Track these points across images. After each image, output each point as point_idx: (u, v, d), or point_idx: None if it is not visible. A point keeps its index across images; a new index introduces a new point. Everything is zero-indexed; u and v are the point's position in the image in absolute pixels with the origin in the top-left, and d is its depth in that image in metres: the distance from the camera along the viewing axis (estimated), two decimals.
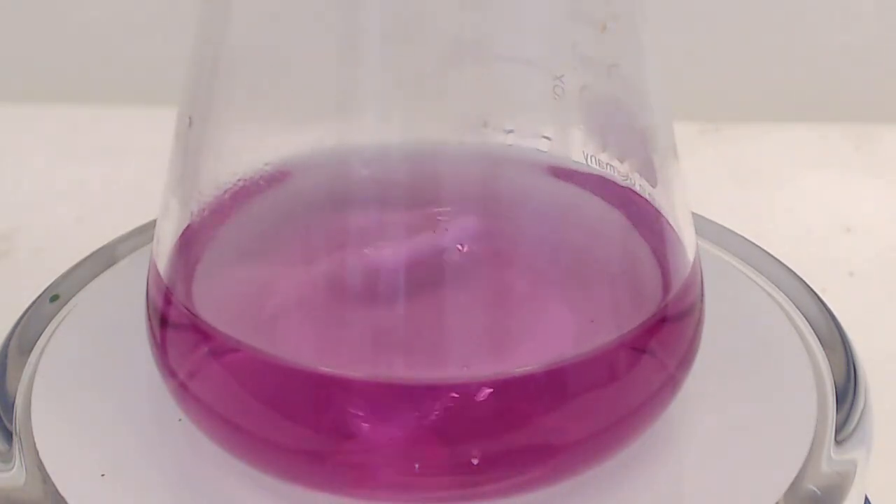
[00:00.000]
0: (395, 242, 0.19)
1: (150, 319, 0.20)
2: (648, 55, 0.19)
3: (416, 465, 0.17)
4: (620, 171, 0.19)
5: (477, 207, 0.19)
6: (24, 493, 0.18)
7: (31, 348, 0.22)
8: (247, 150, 0.19)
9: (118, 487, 0.18)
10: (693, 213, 0.21)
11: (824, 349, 0.22)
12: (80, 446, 0.19)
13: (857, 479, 0.19)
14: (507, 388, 0.17)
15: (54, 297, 0.23)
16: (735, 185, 0.44)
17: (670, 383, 0.19)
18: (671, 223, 0.20)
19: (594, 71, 0.18)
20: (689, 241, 0.20)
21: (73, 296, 0.23)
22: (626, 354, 0.18)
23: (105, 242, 0.25)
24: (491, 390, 0.17)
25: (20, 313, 0.23)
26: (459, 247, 0.19)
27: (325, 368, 0.17)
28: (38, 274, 0.25)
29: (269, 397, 0.18)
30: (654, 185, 0.19)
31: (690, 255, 0.20)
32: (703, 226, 0.25)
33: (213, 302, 0.19)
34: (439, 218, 0.19)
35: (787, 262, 0.24)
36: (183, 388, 0.19)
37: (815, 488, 0.18)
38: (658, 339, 0.19)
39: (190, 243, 0.19)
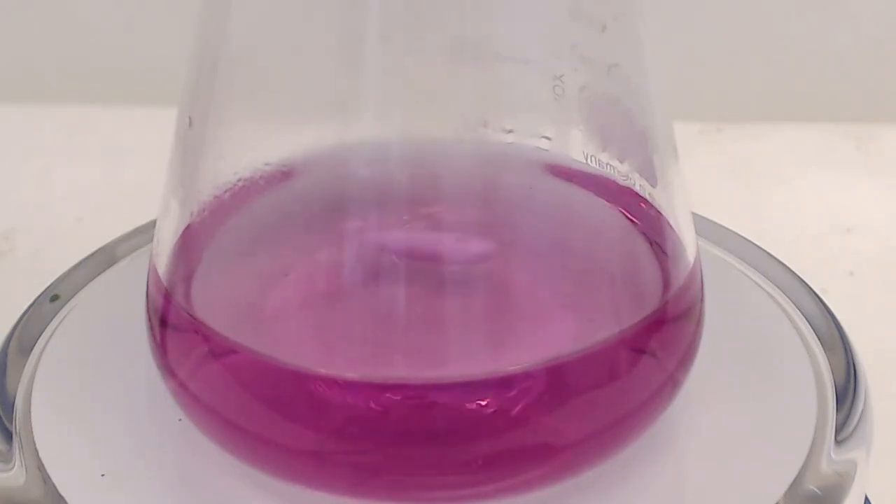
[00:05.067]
0: (395, 242, 0.19)
1: (149, 319, 0.20)
2: (648, 55, 0.19)
3: (416, 466, 0.17)
4: (620, 171, 0.19)
5: (477, 207, 0.19)
6: (24, 493, 0.18)
7: (31, 348, 0.22)
8: (247, 150, 0.19)
9: (118, 487, 0.18)
10: (693, 213, 0.21)
11: (824, 349, 0.22)
12: (80, 446, 0.19)
13: (857, 479, 0.19)
14: (507, 388, 0.17)
15: (54, 297, 0.23)
16: (735, 185, 0.44)
17: (670, 383, 0.19)
18: (671, 223, 0.20)
19: (594, 71, 0.18)
20: (689, 241, 0.20)
21: (73, 296, 0.23)
22: (626, 354, 0.18)
23: (105, 242, 0.25)
24: (490, 390, 0.17)
25: (20, 313, 0.23)
26: (459, 246, 0.19)
27: (325, 369, 0.17)
28: (38, 274, 0.25)
29: (269, 397, 0.18)
30: (654, 185, 0.19)
31: (690, 255, 0.20)
32: (703, 226, 0.25)
33: (213, 302, 0.19)
34: (438, 218, 0.19)
35: (787, 262, 0.24)
36: (183, 388, 0.19)
37: (815, 488, 0.18)
38: (658, 339, 0.19)
39: (190, 243, 0.19)
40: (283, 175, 0.20)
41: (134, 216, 0.26)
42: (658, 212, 0.19)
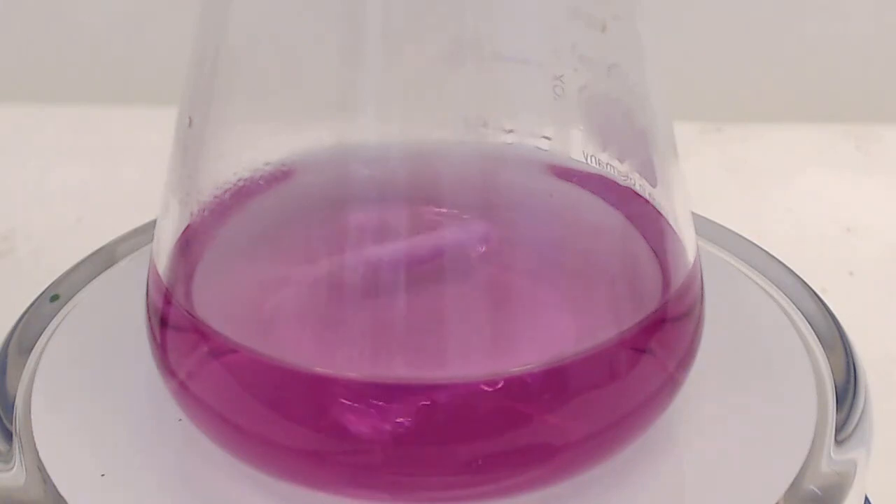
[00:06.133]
0: (395, 242, 0.19)
1: (149, 319, 0.20)
2: (648, 55, 0.19)
3: (415, 465, 0.17)
4: (620, 171, 0.19)
5: (477, 207, 0.19)
6: (24, 493, 0.18)
7: (31, 348, 0.22)
8: (247, 150, 0.19)
9: (118, 487, 0.18)
10: (693, 213, 0.21)
11: (824, 349, 0.22)
12: (80, 446, 0.19)
13: (857, 479, 0.19)
14: (507, 388, 0.17)
15: (54, 297, 0.23)
16: (735, 185, 0.44)
17: (670, 383, 0.19)
18: (671, 223, 0.20)
19: (594, 71, 0.18)
20: (689, 241, 0.20)
21: (73, 296, 0.23)
22: (627, 354, 0.18)
23: (105, 242, 0.25)
24: (491, 390, 0.17)
25: (20, 313, 0.23)
26: (459, 246, 0.19)
27: (325, 369, 0.17)
28: (38, 274, 0.25)
29: (269, 397, 0.18)
30: (654, 185, 0.19)
31: (690, 255, 0.20)
32: (703, 226, 0.25)
33: (213, 302, 0.19)
34: (439, 217, 0.19)
35: (787, 262, 0.24)
36: (183, 389, 0.19)
37: (815, 488, 0.18)
38: (658, 339, 0.19)
39: (190, 243, 0.19)
40: (283, 175, 0.20)
41: (134, 216, 0.26)
42: (658, 212, 0.19)
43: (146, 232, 0.25)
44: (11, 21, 0.48)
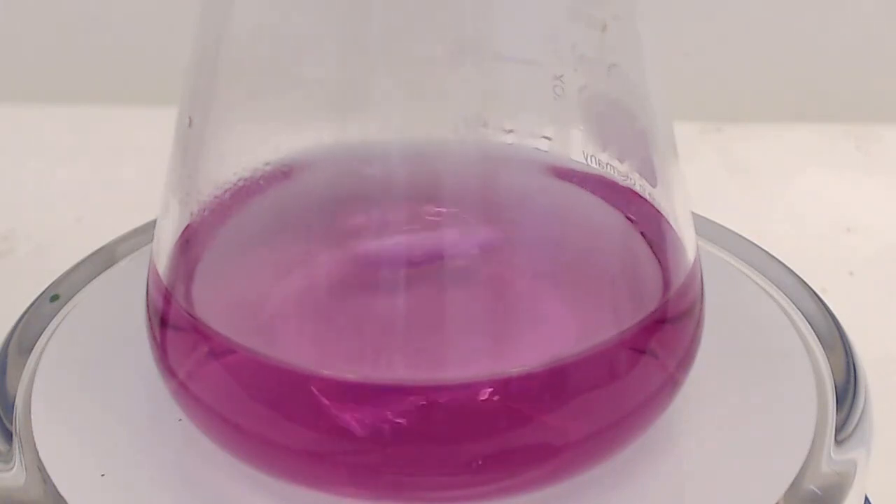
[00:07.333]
0: (395, 243, 0.19)
1: (149, 319, 0.20)
2: (648, 55, 0.19)
3: (416, 466, 0.17)
4: (620, 171, 0.19)
5: (477, 207, 0.19)
6: (24, 493, 0.18)
7: (31, 348, 0.22)
8: (247, 150, 0.19)
9: (118, 487, 0.18)
10: (693, 213, 0.21)
11: (824, 349, 0.22)
12: (80, 446, 0.19)
13: (857, 479, 0.19)
14: (507, 388, 0.17)
15: (54, 297, 0.23)
16: (735, 185, 0.44)
17: (670, 383, 0.19)
18: (671, 223, 0.20)
19: (594, 71, 0.18)
20: (689, 241, 0.20)
21: (73, 296, 0.23)
22: (626, 354, 0.18)
23: (105, 242, 0.25)
24: (490, 390, 0.17)
25: (20, 313, 0.23)
26: (459, 246, 0.19)
27: (325, 369, 0.17)
28: (38, 274, 0.25)
29: (269, 398, 0.18)
30: (654, 185, 0.19)
31: (690, 255, 0.20)
32: (703, 226, 0.25)
33: (213, 302, 0.19)
34: (439, 218, 0.19)
35: (787, 262, 0.24)
36: (183, 389, 0.19)
37: (815, 488, 0.18)
38: (658, 339, 0.19)
39: (190, 243, 0.19)
40: (283, 175, 0.20)
41: (134, 216, 0.26)
42: (658, 212, 0.19)
43: (146, 232, 0.25)
44: (11, 21, 0.48)
